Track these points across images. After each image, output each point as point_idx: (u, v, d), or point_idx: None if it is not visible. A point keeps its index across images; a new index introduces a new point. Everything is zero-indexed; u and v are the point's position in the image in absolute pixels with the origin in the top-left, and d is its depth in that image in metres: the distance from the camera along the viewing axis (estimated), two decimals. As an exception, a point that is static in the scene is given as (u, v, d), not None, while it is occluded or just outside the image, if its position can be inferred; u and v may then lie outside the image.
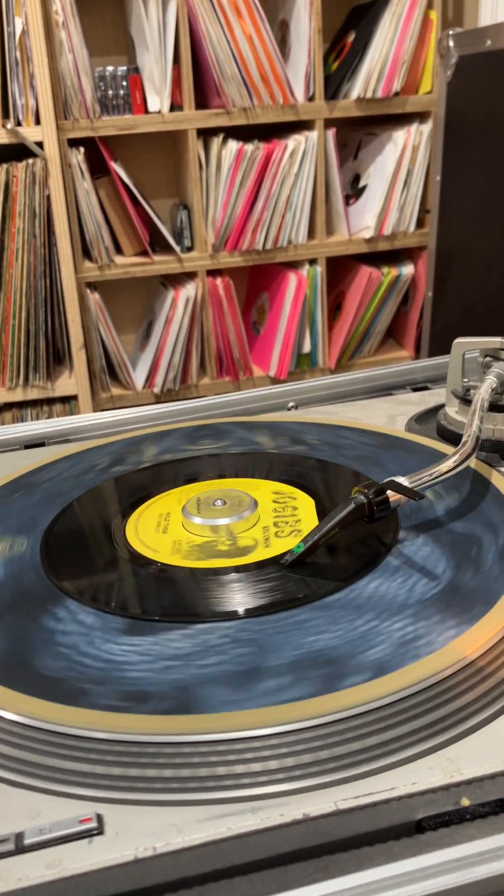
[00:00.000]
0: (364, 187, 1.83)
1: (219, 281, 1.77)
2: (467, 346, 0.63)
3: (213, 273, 1.78)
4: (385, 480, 0.48)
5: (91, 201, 1.65)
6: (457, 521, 0.50)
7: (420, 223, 1.83)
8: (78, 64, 1.57)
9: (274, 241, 1.76)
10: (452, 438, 0.62)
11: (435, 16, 1.70)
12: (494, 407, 0.58)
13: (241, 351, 1.84)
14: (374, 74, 1.69)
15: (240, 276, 1.89)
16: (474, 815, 0.31)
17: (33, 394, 1.72)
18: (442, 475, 0.50)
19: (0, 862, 0.30)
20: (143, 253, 1.74)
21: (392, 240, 1.82)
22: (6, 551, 0.52)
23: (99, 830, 0.31)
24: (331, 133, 1.73)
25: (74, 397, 1.76)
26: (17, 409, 1.75)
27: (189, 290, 1.75)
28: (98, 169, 1.67)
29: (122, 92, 1.64)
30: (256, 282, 1.96)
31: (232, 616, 0.43)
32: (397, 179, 1.76)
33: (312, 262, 1.81)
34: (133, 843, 0.31)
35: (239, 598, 0.45)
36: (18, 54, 1.52)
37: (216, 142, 1.67)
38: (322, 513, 0.53)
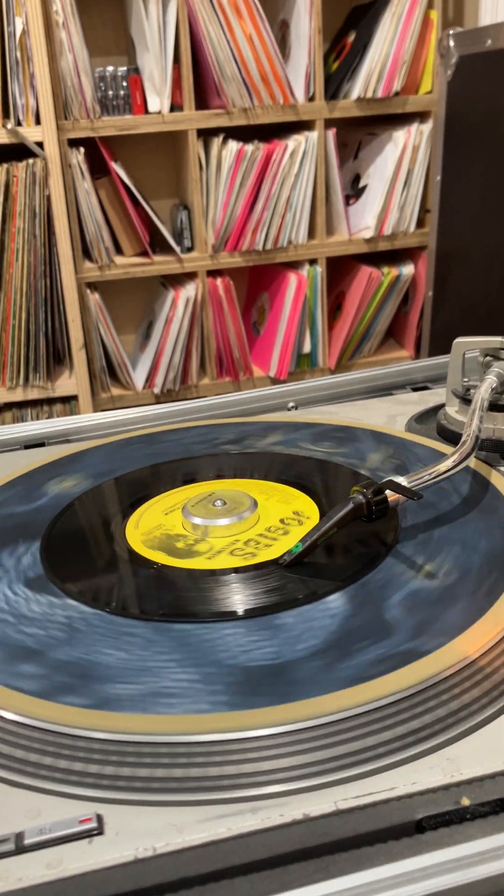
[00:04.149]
0: (364, 187, 1.83)
1: (219, 281, 1.77)
2: (467, 345, 0.63)
3: (213, 273, 1.77)
4: (384, 480, 0.48)
5: (91, 201, 1.65)
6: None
7: (420, 223, 1.83)
8: (78, 64, 1.57)
9: (274, 242, 1.76)
10: (452, 438, 0.62)
11: (435, 16, 1.70)
12: (494, 406, 0.58)
13: (241, 351, 1.84)
14: (374, 74, 1.69)
15: (240, 277, 1.89)
16: (474, 815, 0.31)
17: (33, 394, 1.72)
18: (441, 475, 0.50)
19: (0, 862, 0.30)
20: (143, 253, 1.74)
21: (392, 240, 1.82)
22: (68, 488, 0.58)
23: (99, 830, 0.31)
24: (331, 133, 1.73)
25: (74, 397, 1.76)
26: (17, 409, 1.75)
27: (189, 291, 1.75)
28: (98, 169, 1.67)
29: (122, 92, 1.64)
30: (256, 282, 1.96)
31: (103, 607, 0.44)
32: (397, 179, 1.76)
33: (312, 262, 1.81)
34: (133, 843, 0.31)
35: (124, 592, 0.45)
36: (18, 54, 1.52)
37: (216, 142, 1.67)
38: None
